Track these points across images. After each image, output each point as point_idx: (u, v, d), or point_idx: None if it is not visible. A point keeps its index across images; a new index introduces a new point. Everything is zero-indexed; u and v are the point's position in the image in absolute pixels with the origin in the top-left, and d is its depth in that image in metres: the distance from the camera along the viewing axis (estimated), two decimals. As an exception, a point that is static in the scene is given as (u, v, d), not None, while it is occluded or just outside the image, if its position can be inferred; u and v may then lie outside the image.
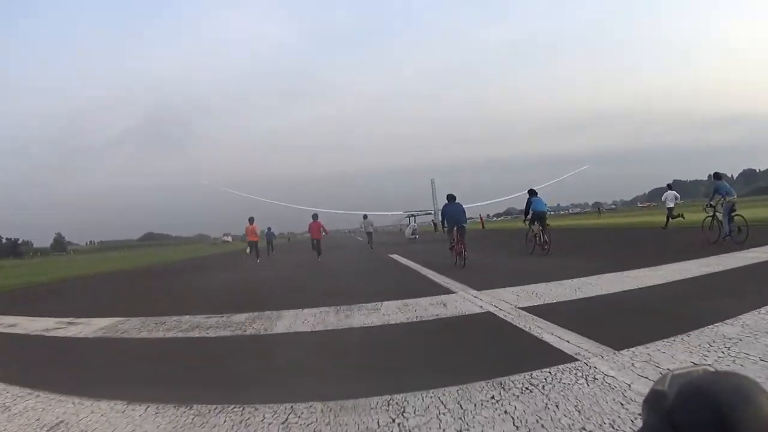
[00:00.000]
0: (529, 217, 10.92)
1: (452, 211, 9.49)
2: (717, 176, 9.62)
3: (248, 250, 16.18)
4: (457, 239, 9.10)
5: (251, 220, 15.73)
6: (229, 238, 41.66)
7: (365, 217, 21.82)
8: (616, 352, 2.83)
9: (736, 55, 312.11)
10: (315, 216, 14.93)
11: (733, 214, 8.81)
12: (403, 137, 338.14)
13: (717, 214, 9.25)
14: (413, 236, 24.68)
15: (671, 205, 14.54)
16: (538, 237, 10.59)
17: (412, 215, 33.68)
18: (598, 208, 57.66)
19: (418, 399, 2.35)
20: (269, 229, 27.65)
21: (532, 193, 11.26)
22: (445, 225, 9.74)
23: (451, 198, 9.65)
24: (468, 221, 10.38)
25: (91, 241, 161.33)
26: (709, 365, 0.46)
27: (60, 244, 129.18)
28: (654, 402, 0.44)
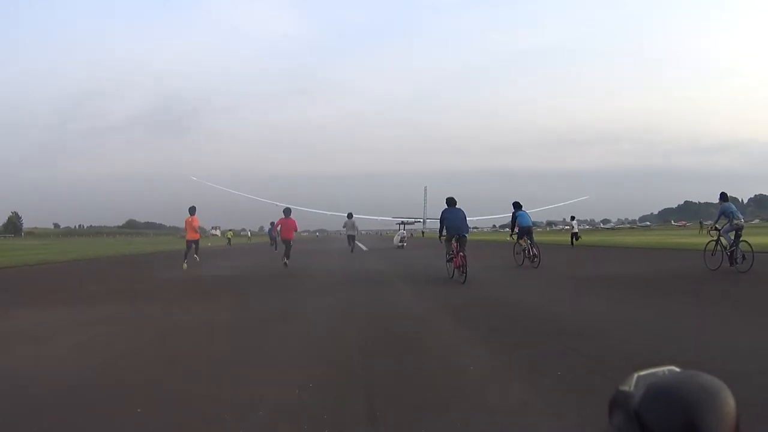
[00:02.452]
0: (516, 231, 11.51)
1: (453, 218, 8.51)
2: (723, 197, 9.24)
3: (185, 262, 12.07)
4: (457, 250, 8.24)
5: (192, 210, 12.30)
6: (218, 232, 40.47)
7: (349, 216, 18.95)
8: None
9: (738, 81, 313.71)
10: (287, 211, 12.67)
11: (739, 239, 8.61)
12: (403, 141, 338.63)
13: (721, 238, 9.02)
14: (401, 243, 25.56)
15: None
16: (526, 250, 11.21)
17: (403, 222, 33.92)
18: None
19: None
20: (272, 224, 27.91)
21: (517, 206, 11.77)
22: (443, 233, 8.75)
23: (451, 202, 8.68)
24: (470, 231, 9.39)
25: (80, 225, 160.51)
26: (674, 366, 0.48)
27: (14, 225, 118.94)
28: (620, 402, 0.47)
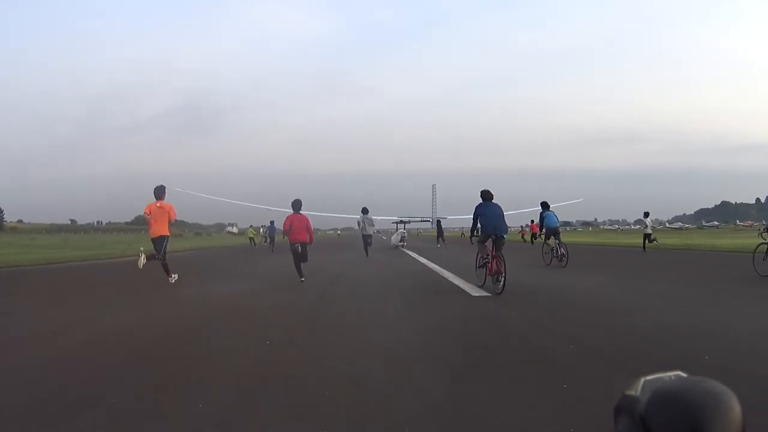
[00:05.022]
0: (544, 231, 12.08)
1: (490, 215, 7.46)
2: None
3: (142, 259, 8.36)
4: (493, 253, 7.23)
5: (159, 191, 8.50)
6: (235, 229, 39.58)
7: (365, 212, 16.10)
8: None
9: (763, 80, 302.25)
10: (297, 204, 9.19)
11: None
12: (426, 142, 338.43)
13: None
14: (401, 243, 25.61)
15: None
16: (554, 250, 11.63)
17: (402, 222, 34.10)
18: None
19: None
20: (272, 223, 26.41)
21: (545, 206, 12.40)
22: (476, 233, 7.70)
23: (487, 196, 7.64)
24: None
25: (99, 221, 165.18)
26: (681, 371, 0.49)
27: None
28: (626, 407, 0.48)
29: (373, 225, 17.05)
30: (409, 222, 41.42)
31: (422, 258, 15.30)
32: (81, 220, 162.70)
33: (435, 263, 12.80)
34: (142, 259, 8.40)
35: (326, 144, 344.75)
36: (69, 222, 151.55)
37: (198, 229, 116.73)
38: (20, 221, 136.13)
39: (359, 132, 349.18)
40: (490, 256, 7.28)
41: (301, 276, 8.97)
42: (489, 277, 7.31)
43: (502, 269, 6.96)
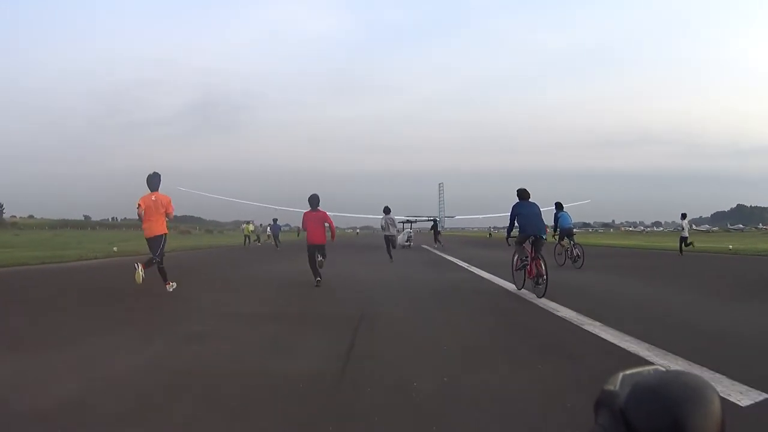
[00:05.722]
0: (557, 232, 12.00)
1: (528, 214, 7.26)
2: None
3: (140, 271, 6.88)
4: (532, 255, 7.05)
5: (153, 180, 7.21)
6: (252, 227, 37.43)
7: (386, 211, 15.59)
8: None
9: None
10: (314, 201, 8.42)
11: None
12: (432, 141, 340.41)
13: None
14: (407, 243, 24.94)
15: None
16: (569, 251, 11.66)
17: (408, 221, 34.12)
18: None
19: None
20: (275, 221, 27.01)
21: (559, 207, 12.22)
22: (512, 234, 7.57)
23: (524, 195, 7.41)
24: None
25: (114, 218, 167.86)
26: (659, 365, 0.49)
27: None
28: (606, 402, 0.47)
29: (395, 225, 16.47)
30: (415, 221, 41.38)
31: (465, 263, 13.05)
32: (96, 216, 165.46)
33: (489, 272, 10.19)
34: (140, 271, 6.86)
35: (340, 143, 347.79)
36: (83, 218, 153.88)
37: (213, 227, 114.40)
38: (31, 216, 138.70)
39: (372, 131, 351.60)
40: (528, 258, 7.11)
41: (317, 276, 8.20)
42: (528, 280, 7.12)
43: (543, 272, 6.75)
